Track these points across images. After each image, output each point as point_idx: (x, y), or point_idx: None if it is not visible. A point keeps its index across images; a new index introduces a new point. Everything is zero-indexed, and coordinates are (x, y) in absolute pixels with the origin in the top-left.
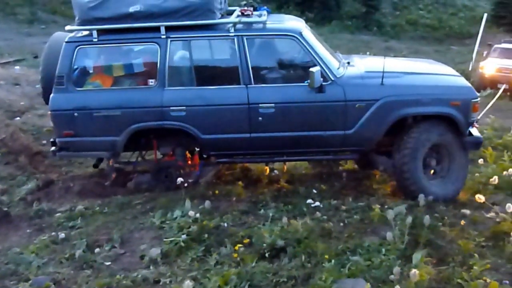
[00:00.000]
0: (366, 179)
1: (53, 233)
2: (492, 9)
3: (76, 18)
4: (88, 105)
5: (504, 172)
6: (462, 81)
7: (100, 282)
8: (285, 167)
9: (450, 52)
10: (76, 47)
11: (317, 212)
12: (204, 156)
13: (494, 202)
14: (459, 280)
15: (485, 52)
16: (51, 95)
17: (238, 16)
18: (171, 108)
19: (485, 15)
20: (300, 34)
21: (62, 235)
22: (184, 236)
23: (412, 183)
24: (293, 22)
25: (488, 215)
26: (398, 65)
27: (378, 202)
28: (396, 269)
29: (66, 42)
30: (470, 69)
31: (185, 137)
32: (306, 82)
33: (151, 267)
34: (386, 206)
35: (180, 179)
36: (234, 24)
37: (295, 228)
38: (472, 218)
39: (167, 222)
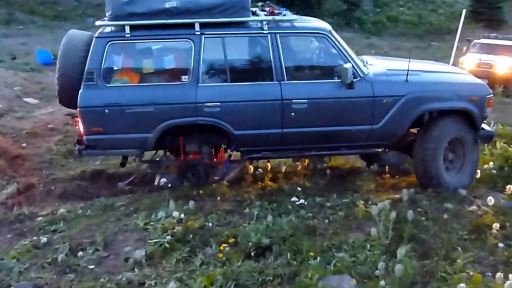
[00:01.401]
0: (350, 176)
1: (34, 238)
2: (470, 5)
3: (109, 13)
4: (120, 101)
5: (485, 166)
6: (476, 79)
7: (83, 286)
8: (269, 165)
9: (430, 48)
10: (108, 42)
11: (302, 210)
12: (230, 153)
13: (476, 196)
14: (443, 274)
15: (464, 48)
16: (80, 92)
17: (266, 14)
18: (205, 104)
19: (464, 11)
20: (330, 32)
21: (44, 239)
22: (168, 237)
23: (434, 176)
24: (320, 22)
25: (470, 209)
26: (415, 65)
27: (362, 198)
28: (381, 265)
29: (97, 37)
30: (450, 64)
31: (214, 134)
32: (335, 78)
33: (135, 270)
34: (370, 202)
35: (163, 180)
36: (268, 22)
37: (280, 226)
38: (454, 211)
39: (151, 223)
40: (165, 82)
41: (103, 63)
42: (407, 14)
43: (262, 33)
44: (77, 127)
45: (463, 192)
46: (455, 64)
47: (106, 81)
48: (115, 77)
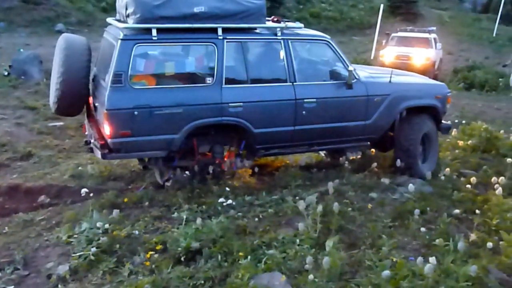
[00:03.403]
0: (279, 172)
1: None
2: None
3: (137, 15)
4: (149, 103)
5: None
6: (435, 81)
7: None
8: (196, 167)
9: (352, 42)
10: (135, 44)
11: (231, 210)
12: (240, 152)
13: (399, 184)
14: (369, 262)
15: (384, 41)
16: (107, 94)
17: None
18: (230, 104)
19: (382, 5)
20: (331, 39)
21: None
22: (93, 249)
23: (413, 166)
24: (319, 32)
25: (394, 196)
26: (388, 71)
27: (291, 194)
28: (309, 258)
29: (123, 39)
30: (372, 57)
31: (226, 134)
32: (337, 80)
33: (59, 286)
34: (297, 197)
35: (84, 190)
36: (281, 28)
37: (209, 228)
38: (379, 200)
39: (75, 236)
40: (190, 84)
41: (130, 65)
42: (329, 10)
43: (276, 38)
44: (86, 132)
45: (387, 181)
46: (376, 57)
47: (134, 83)
48: (142, 79)
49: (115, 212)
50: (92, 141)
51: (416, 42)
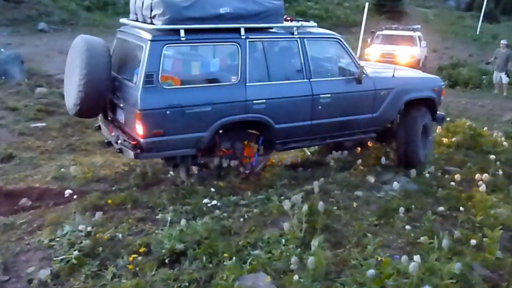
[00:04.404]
0: (264, 172)
1: None
2: None
3: (166, 17)
4: (180, 102)
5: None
6: (430, 74)
7: None
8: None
9: None
10: (164, 45)
11: (217, 210)
12: (259, 148)
13: (383, 182)
14: (354, 261)
15: (369, 39)
16: (140, 94)
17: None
18: (254, 101)
19: (367, 4)
20: (341, 37)
21: None
22: (76, 253)
23: (416, 154)
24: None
25: (379, 195)
26: (388, 66)
27: (277, 193)
28: (294, 258)
29: (152, 40)
30: (357, 56)
31: (246, 130)
32: (348, 75)
33: None
34: (283, 197)
35: (68, 191)
36: (297, 28)
37: (194, 229)
38: (364, 199)
39: (57, 239)
40: (217, 82)
41: (160, 65)
42: (315, 9)
43: (293, 37)
44: (112, 133)
45: (372, 179)
46: (361, 55)
47: (164, 83)
48: (171, 79)
49: (98, 214)
50: (119, 141)
51: (401, 40)
